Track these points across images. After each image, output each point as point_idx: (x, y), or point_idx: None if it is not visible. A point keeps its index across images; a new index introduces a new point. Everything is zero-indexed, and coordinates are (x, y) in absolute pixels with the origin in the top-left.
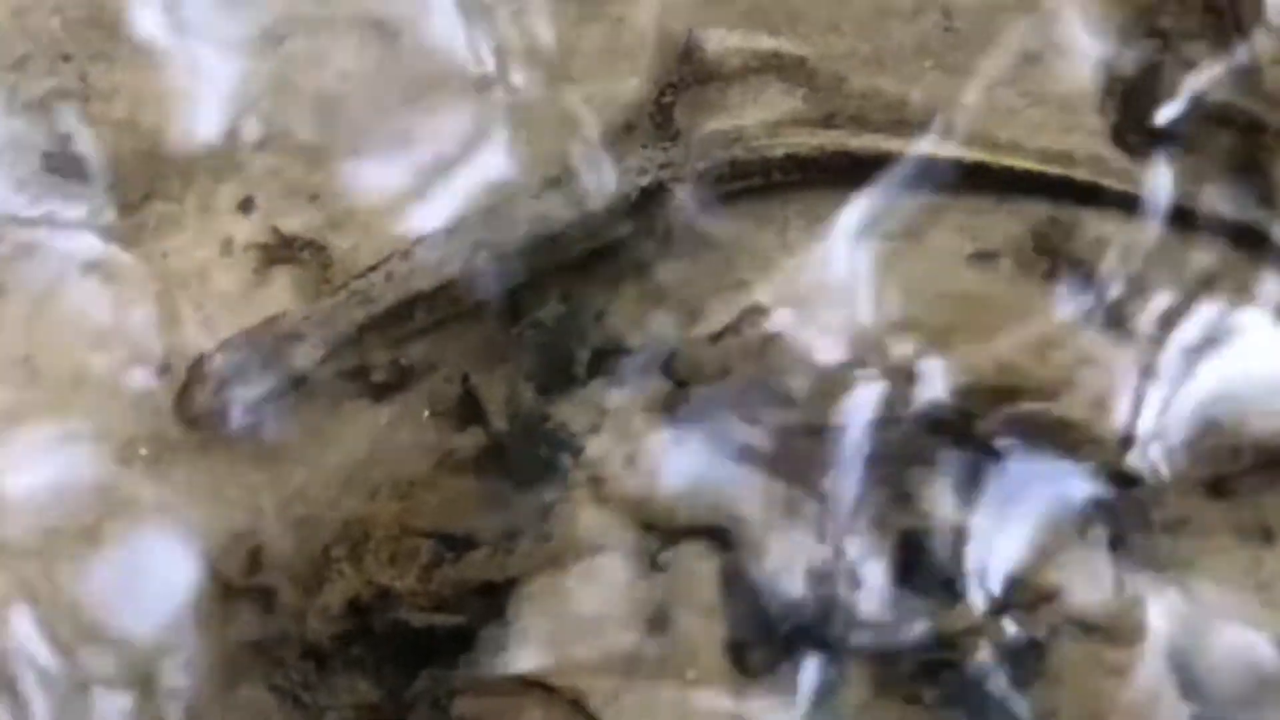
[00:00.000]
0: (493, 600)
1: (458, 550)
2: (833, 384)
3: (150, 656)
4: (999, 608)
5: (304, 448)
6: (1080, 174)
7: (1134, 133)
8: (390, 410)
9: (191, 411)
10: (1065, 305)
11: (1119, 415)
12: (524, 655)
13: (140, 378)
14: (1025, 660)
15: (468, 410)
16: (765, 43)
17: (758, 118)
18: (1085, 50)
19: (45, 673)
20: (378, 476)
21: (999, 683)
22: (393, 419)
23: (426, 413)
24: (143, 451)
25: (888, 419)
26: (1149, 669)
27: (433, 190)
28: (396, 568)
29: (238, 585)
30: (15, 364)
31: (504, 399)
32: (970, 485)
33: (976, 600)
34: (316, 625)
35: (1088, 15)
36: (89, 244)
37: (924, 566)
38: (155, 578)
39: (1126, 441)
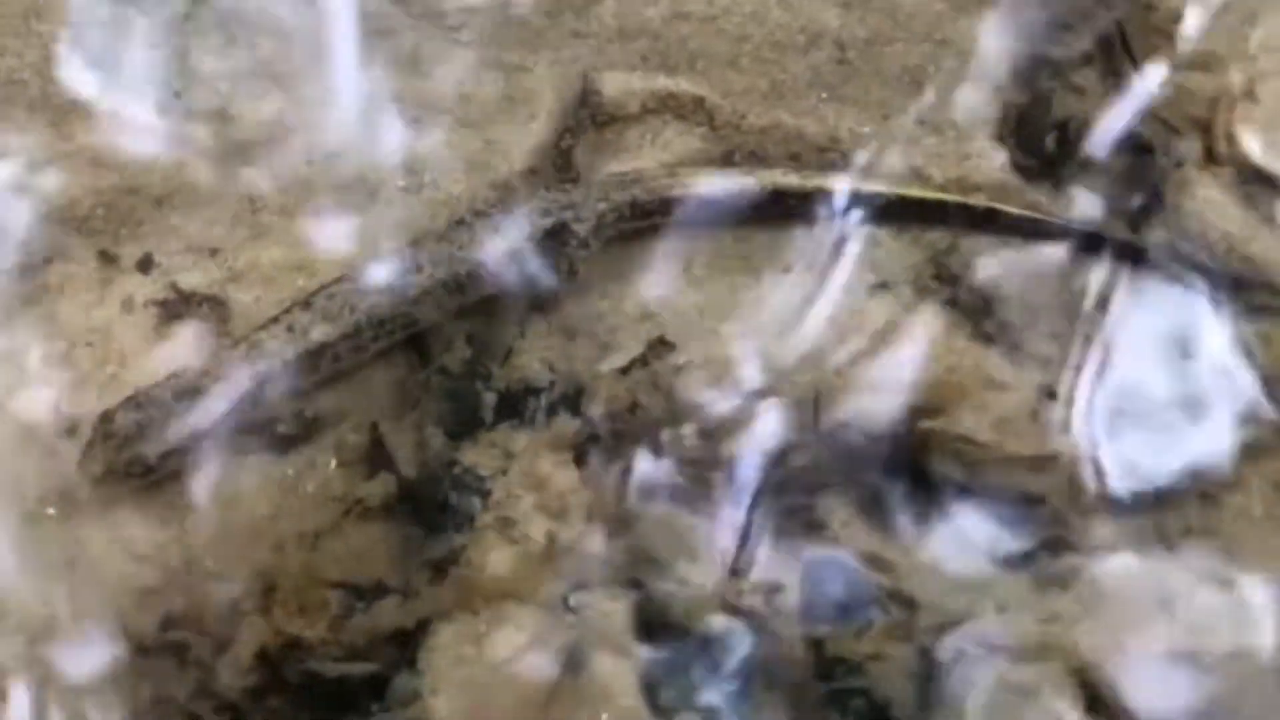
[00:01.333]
0: (404, 647)
1: (367, 599)
2: (739, 413)
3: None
4: (906, 633)
5: (210, 503)
6: (978, 200)
7: (1030, 158)
8: (296, 461)
9: (96, 469)
10: (965, 329)
11: (1023, 436)
12: (438, 703)
13: (45, 438)
14: (934, 684)
15: (376, 458)
16: (662, 83)
17: (657, 158)
18: (980, 78)
19: None
20: (284, 529)
21: (907, 708)
22: (299, 470)
23: (333, 463)
24: (50, 511)
25: (795, 446)
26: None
27: (335, 242)
28: (306, 618)
29: (149, 643)
30: None
31: (413, 446)
32: (879, 511)
33: (884, 625)
34: (228, 679)
35: (981, 45)
36: None
37: (832, 594)
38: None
39: (1036, 462)
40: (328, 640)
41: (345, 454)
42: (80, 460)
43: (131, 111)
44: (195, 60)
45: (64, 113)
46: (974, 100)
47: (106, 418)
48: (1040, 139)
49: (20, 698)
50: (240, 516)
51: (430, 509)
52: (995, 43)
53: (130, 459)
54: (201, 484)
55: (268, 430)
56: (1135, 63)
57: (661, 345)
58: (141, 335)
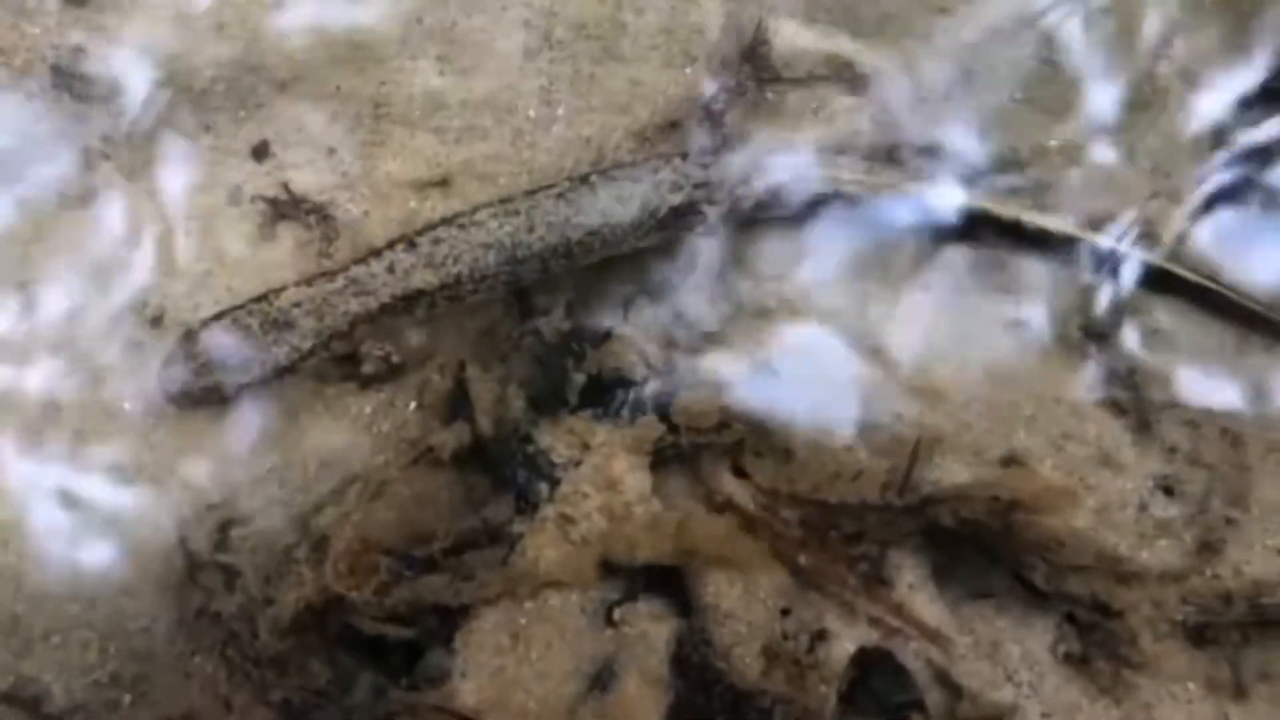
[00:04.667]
0: (444, 624)
1: (416, 569)
2: (836, 461)
3: (111, 613)
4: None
5: (283, 429)
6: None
7: None
8: (375, 399)
9: (174, 390)
10: (1097, 393)
11: (1121, 531)
12: (465, 688)
13: (131, 324)
14: None
15: (456, 404)
16: (844, 46)
17: (816, 135)
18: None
19: None
20: (354, 466)
21: None
22: (376, 409)
23: (413, 404)
24: (126, 406)
25: (880, 505)
26: None
27: (451, 168)
28: (355, 578)
29: (203, 559)
30: (12, 291)
31: (494, 400)
32: (949, 581)
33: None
34: (269, 618)
35: None
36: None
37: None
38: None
39: (1124, 575)
40: (370, 603)
41: (427, 396)
42: (159, 374)
43: None
44: None
45: None
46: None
47: (189, 337)
48: None
49: None
50: (310, 448)
51: (498, 473)
52: None
53: (208, 386)
54: (276, 410)
55: (351, 365)
56: None
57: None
58: (243, 233)
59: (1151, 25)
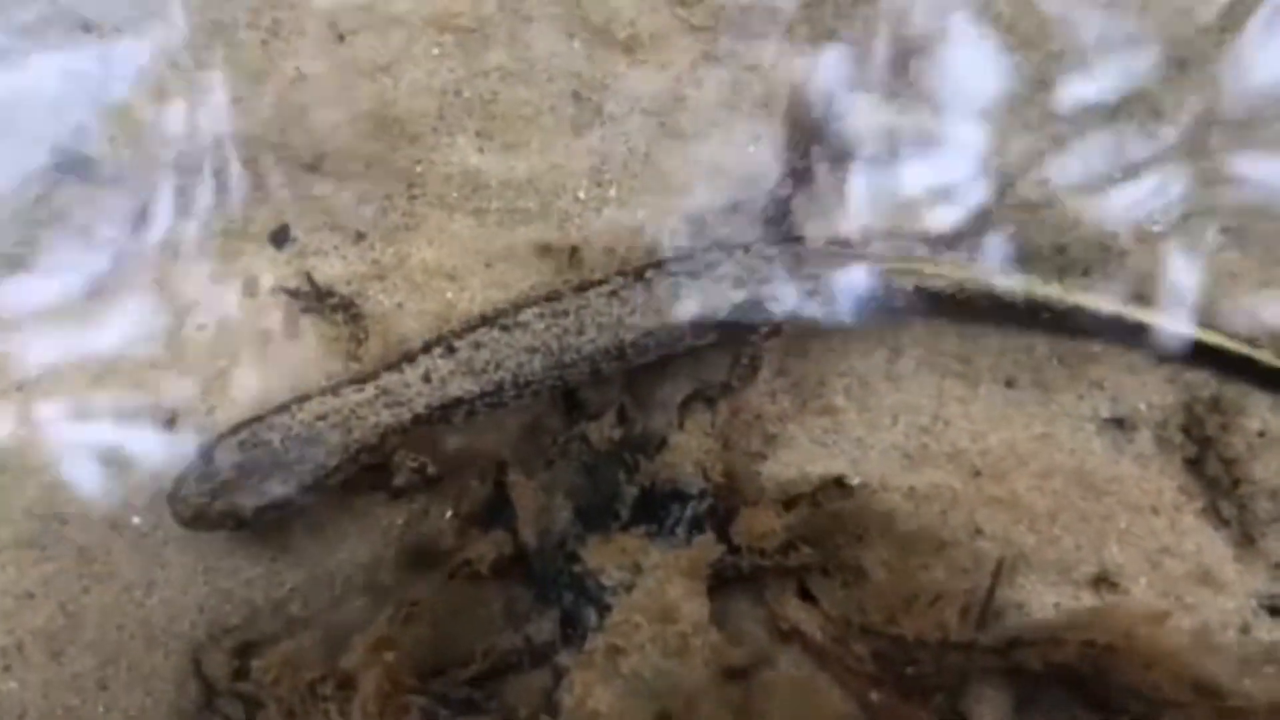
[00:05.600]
0: None
1: (453, 711)
2: (912, 582)
3: None
4: None
5: (308, 543)
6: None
7: None
8: (407, 509)
9: (187, 515)
10: (1198, 503)
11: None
12: None
13: (142, 426)
14: None
15: (495, 513)
16: (926, 122)
17: (892, 221)
18: None
19: None
20: (385, 582)
21: None
22: (409, 520)
23: (450, 513)
24: (136, 520)
25: (963, 643)
26: None
27: (494, 255)
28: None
29: (221, 686)
30: (8, 393)
31: (538, 509)
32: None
33: None
34: None
35: None
36: (96, 260)
37: None
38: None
39: (1226, 711)
40: None
41: (464, 504)
42: (171, 495)
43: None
44: None
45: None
46: None
47: (205, 455)
48: None
49: None
50: (336, 563)
51: (541, 587)
52: None
53: (224, 510)
54: (298, 522)
55: (381, 476)
56: None
57: (838, 487)
58: (262, 329)
59: None
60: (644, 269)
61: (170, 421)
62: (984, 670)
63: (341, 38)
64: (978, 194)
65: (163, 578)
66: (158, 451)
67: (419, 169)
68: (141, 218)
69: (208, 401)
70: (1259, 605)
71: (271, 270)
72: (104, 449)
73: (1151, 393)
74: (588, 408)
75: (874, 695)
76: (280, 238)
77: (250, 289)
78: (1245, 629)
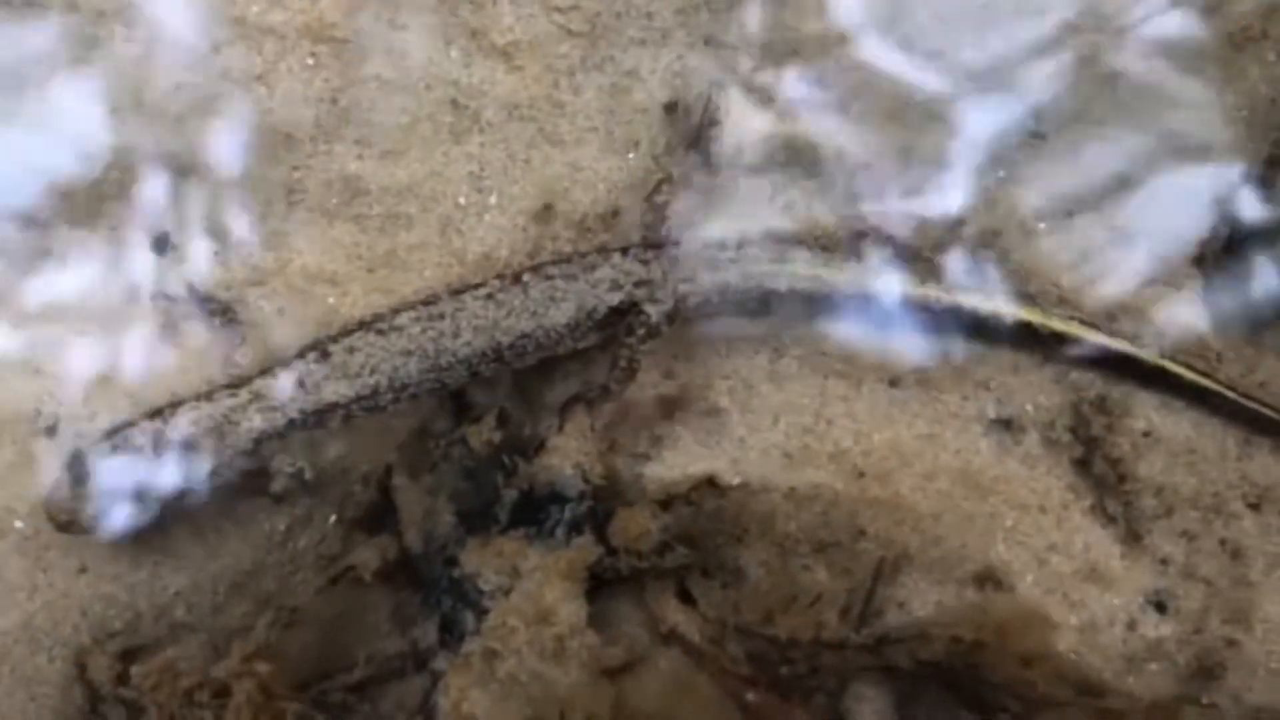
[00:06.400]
0: None
1: (328, 714)
2: (792, 583)
3: None
4: None
5: (191, 547)
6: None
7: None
8: (290, 514)
9: (61, 519)
10: (1085, 502)
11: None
12: None
13: (22, 434)
14: None
15: (380, 518)
16: (801, 127)
17: (768, 225)
18: None
19: None
20: (268, 588)
21: None
22: (291, 524)
23: (333, 518)
24: (18, 524)
25: (836, 642)
26: None
27: (373, 261)
28: None
29: (104, 692)
30: None
31: (422, 513)
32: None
33: None
34: None
35: None
36: None
37: None
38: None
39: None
40: None
41: (348, 509)
42: (47, 500)
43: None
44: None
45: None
46: None
47: (77, 460)
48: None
49: None
50: (219, 569)
51: (427, 592)
52: None
53: (96, 515)
54: (182, 528)
55: (261, 481)
56: None
57: (711, 487)
58: (142, 335)
59: None
60: (520, 273)
61: (51, 429)
62: (862, 670)
63: (216, 49)
64: (859, 196)
65: (45, 581)
66: (36, 459)
67: (297, 175)
68: (21, 224)
69: (89, 407)
70: (1145, 601)
71: (151, 277)
72: None
73: (1038, 393)
74: (474, 407)
75: (750, 696)
76: (160, 245)
77: (131, 295)
78: (1132, 625)
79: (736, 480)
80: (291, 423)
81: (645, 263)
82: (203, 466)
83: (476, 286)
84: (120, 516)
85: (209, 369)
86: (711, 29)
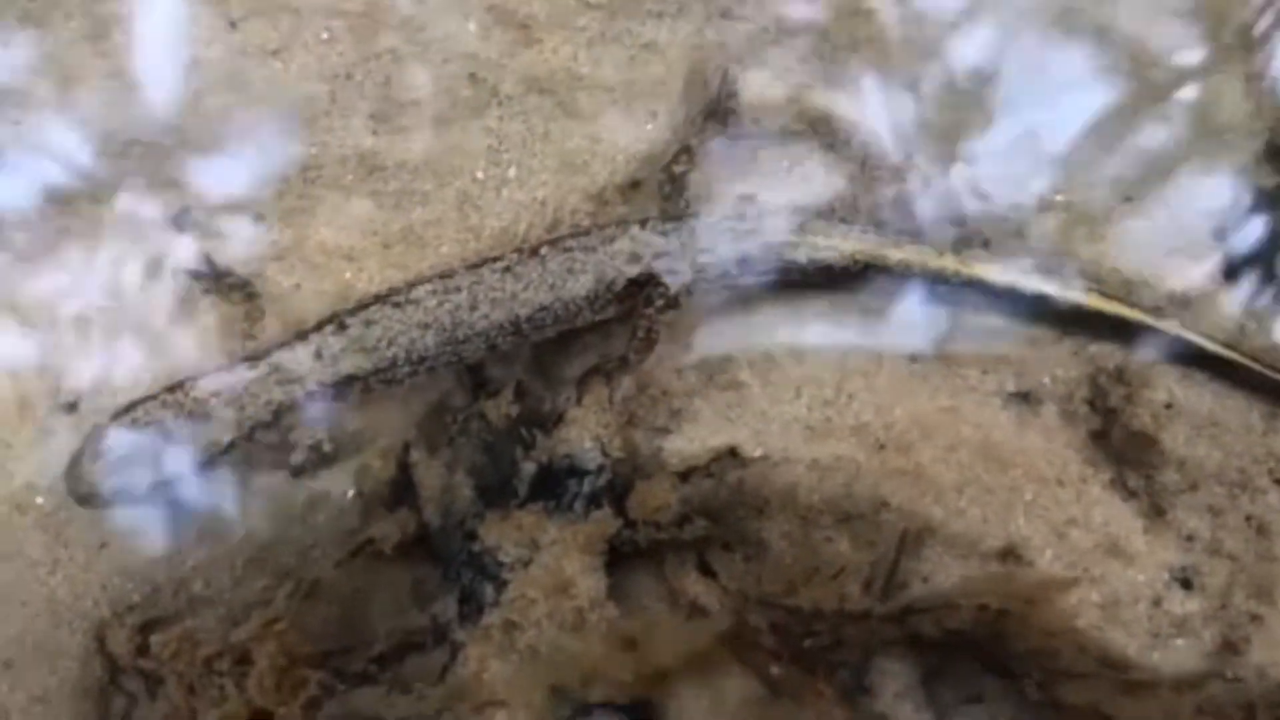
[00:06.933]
0: None
1: (349, 684)
2: (814, 555)
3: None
4: None
5: (208, 522)
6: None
7: None
8: (309, 488)
9: (82, 491)
10: (1105, 475)
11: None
12: None
13: (42, 410)
14: None
15: (399, 493)
16: (819, 99)
17: (789, 197)
18: None
19: None
20: (285, 561)
21: None
22: (311, 498)
23: (351, 492)
24: (39, 500)
25: (859, 613)
26: None
27: (389, 235)
28: (281, 694)
29: (124, 663)
30: None
31: (441, 488)
32: (938, 691)
33: None
34: None
35: None
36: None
37: None
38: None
39: (1130, 685)
40: None
41: (367, 483)
42: (67, 474)
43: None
44: None
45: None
46: None
47: (97, 434)
48: None
49: None
50: (237, 543)
51: (447, 567)
52: None
53: (117, 488)
54: (199, 501)
55: (280, 454)
56: None
57: (732, 458)
58: (162, 307)
59: None
60: (538, 245)
61: (72, 405)
62: (886, 642)
63: (233, 24)
64: (877, 166)
65: (66, 556)
66: (55, 435)
67: (314, 151)
68: (44, 200)
69: (110, 383)
70: (1171, 578)
71: (172, 252)
72: (3, 433)
73: (1056, 366)
74: (491, 381)
75: (774, 669)
76: (181, 220)
77: (152, 270)
78: (1157, 601)
79: (758, 452)
80: (310, 394)
81: (664, 234)
82: (222, 440)
83: (495, 259)
84: (140, 490)
85: (228, 343)
86: (728, 1)
